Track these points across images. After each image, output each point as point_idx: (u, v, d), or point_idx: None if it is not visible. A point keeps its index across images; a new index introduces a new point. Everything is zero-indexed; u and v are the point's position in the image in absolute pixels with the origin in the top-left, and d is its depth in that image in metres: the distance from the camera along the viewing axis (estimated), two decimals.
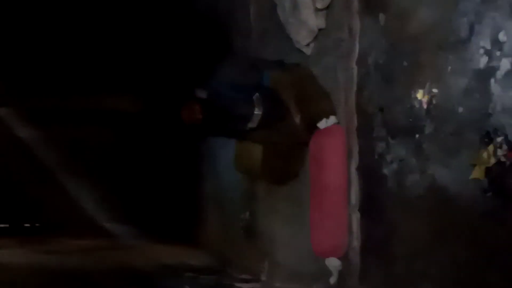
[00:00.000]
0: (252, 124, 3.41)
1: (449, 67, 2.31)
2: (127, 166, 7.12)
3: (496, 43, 2.07)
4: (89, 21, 6.10)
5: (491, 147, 2.07)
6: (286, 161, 3.60)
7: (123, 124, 7.02)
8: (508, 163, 2.00)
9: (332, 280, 3.12)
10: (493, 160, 2.06)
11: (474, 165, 2.15)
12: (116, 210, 6.92)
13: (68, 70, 6.37)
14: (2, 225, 6.89)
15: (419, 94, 2.48)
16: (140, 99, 6.59)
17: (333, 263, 3.10)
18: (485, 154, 2.09)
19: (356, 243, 2.95)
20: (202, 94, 3.36)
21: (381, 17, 2.77)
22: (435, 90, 2.39)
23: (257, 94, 3.41)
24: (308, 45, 3.43)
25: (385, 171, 2.72)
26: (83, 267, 4.55)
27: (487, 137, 2.09)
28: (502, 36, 2.04)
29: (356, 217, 2.96)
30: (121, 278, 4.21)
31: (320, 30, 3.30)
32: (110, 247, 5.81)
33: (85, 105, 6.72)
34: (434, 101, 2.40)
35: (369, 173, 2.87)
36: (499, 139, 2.04)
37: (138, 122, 6.89)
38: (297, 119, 3.35)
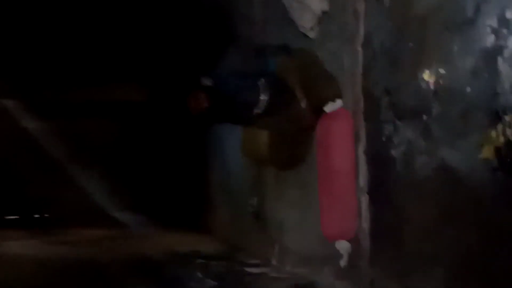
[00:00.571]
0: (258, 110, 3.41)
1: (456, 47, 2.29)
2: (136, 156, 7.15)
3: (503, 21, 2.04)
4: (94, 12, 6.08)
5: (500, 127, 2.06)
6: (293, 146, 3.60)
7: (130, 114, 7.04)
8: None
9: (343, 262, 3.13)
10: (502, 139, 2.05)
11: (483, 145, 2.14)
12: (125, 200, 6.97)
13: (73, 62, 6.37)
14: (12, 217, 6.95)
15: (426, 75, 2.46)
16: (146, 89, 6.60)
17: (343, 245, 3.11)
18: (494, 134, 2.08)
19: (365, 225, 2.95)
20: (207, 82, 3.36)
21: None
22: (442, 71, 2.38)
23: (262, 80, 3.41)
24: (312, 29, 3.41)
25: (393, 153, 2.71)
26: (93, 257, 4.59)
27: (496, 117, 2.07)
28: (509, 14, 2.02)
29: (365, 199, 2.96)
30: (132, 267, 4.25)
31: (324, 13, 3.28)
32: (120, 236, 5.86)
33: (92, 96, 6.74)
34: (441, 82, 2.38)
35: (377, 156, 2.86)
36: (508, 118, 2.03)
37: (145, 112, 6.90)
38: (303, 104, 3.35)
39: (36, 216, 7.11)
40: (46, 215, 7.14)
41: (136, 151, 7.17)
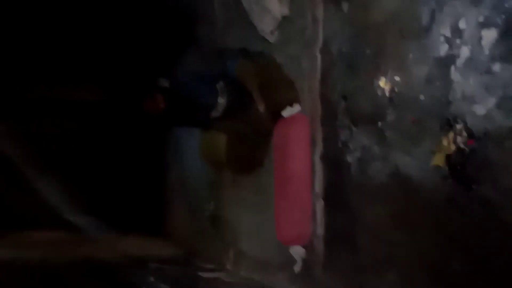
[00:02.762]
0: (216, 113, 3.38)
1: (411, 55, 2.32)
2: (91, 158, 6.99)
3: (456, 31, 2.08)
4: (52, 10, 5.93)
5: (451, 135, 2.09)
6: (250, 150, 3.58)
7: (85, 114, 6.88)
8: (467, 150, 2.03)
9: (297, 268, 3.12)
10: (453, 147, 2.08)
11: (435, 153, 2.17)
12: (80, 203, 6.79)
13: (29, 60, 6.18)
14: None
15: (382, 82, 2.49)
16: (102, 89, 6.46)
17: (297, 251, 3.10)
18: (445, 142, 2.11)
19: (320, 231, 2.95)
20: (165, 83, 3.31)
21: (344, 5, 2.77)
22: (397, 78, 2.40)
23: (221, 82, 3.38)
24: (272, 33, 3.41)
25: (349, 159, 2.73)
26: (46, 260, 4.45)
27: (448, 125, 2.11)
28: (462, 24, 2.06)
29: (320, 205, 2.96)
30: (86, 271, 4.14)
31: (284, 17, 3.28)
32: (75, 240, 5.71)
33: (46, 95, 6.56)
34: (396, 89, 2.41)
35: (333, 161, 2.87)
36: (459, 127, 2.06)
37: (101, 113, 6.76)
38: (262, 108, 3.33)
39: None
40: None
41: (93, 153, 7.01)
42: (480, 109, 1.98)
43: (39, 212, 6.47)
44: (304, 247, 3.07)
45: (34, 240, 5.59)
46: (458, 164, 2.07)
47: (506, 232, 1.88)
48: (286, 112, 3.19)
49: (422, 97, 2.26)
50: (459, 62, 2.08)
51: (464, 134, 2.04)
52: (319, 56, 2.99)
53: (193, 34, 4.56)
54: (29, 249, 5.02)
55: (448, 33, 2.12)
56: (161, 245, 5.22)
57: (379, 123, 2.51)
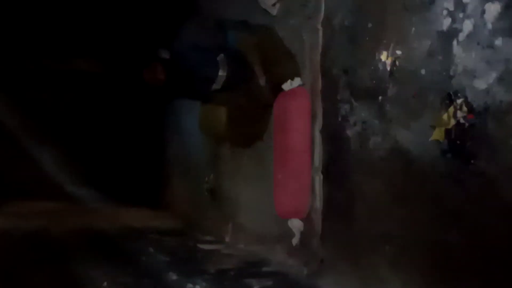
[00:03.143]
0: (216, 86, 3.36)
1: (413, 29, 2.30)
2: (91, 129, 6.99)
3: (459, 4, 2.06)
4: None
5: (451, 109, 2.08)
6: (250, 123, 3.58)
7: (86, 85, 6.85)
8: (467, 124, 2.03)
9: (295, 241, 3.15)
10: (453, 122, 2.08)
11: (435, 127, 2.16)
12: (80, 174, 6.82)
13: (26, 31, 6.13)
14: None
15: (383, 56, 2.47)
16: (102, 60, 6.42)
17: (295, 224, 3.12)
18: (445, 116, 2.10)
19: (318, 204, 2.97)
20: (165, 54, 3.30)
21: None
22: (399, 52, 2.39)
23: (222, 55, 3.35)
24: (274, 5, 3.37)
25: (348, 133, 2.72)
26: (44, 230, 4.48)
27: (448, 99, 2.10)
28: None
29: (319, 179, 2.97)
30: (85, 241, 4.18)
31: None
32: (75, 210, 5.76)
33: (46, 66, 6.52)
34: (397, 63, 2.39)
35: (333, 135, 2.87)
36: (459, 101, 2.05)
37: (101, 83, 6.74)
38: (262, 81, 3.32)
39: None
40: None
41: (93, 124, 7.00)
42: (481, 84, 1.97)
43: (39, 183, 6.50)
44: (302, 220, 3.09)
45: (34, 210, 5.62)
46: (457, 138, 2.06)
47: (503, 206, 1.89)
48: (287, 86, 3.18)
49: (423, 71, 2.24)
50: (462, 36, 2.06)
51: (465, 108, 2.03)
52: (320, 29, 2.96)
53: (194, 5, 4.52)
54: (28, 219, 5.05)
55: (451, 6, 2.10)
56: (160, 216, 5.26)
57: (380, 97, 2.50)
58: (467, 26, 2.03)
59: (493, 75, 1.92)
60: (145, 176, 6.26)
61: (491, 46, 1.93)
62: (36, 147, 6.84)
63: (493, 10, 1.92)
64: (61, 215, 5.37)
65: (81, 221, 5.02)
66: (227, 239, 4.03)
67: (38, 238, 4.22)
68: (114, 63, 6.19)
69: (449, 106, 2.10)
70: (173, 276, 3.05)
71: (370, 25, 2.58)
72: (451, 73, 2.10)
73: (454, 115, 2.07)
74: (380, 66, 2.49)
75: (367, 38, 2.60)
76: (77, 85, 6.84)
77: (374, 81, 2.54)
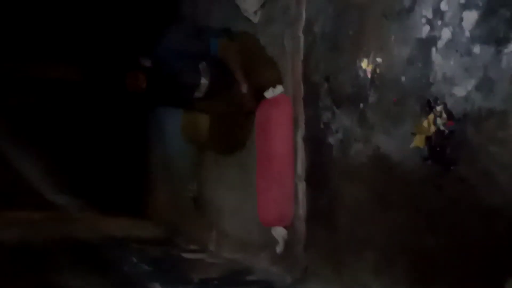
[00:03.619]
0: (198, 94, 3.35)
1: (393, 36, 2.32)
2: (72, 137, 6.92)
3: (438, 12, 2.08)
4: None
5: (431, 116, 2.10)
6: (233, 130, 3.57)
7: (68, 93, 6.79)
8: (447, 131, 2.04)
9: (278, 249, 3.14)
10: (433, 129, 2.10)
11: (415, 134, 2.18)
12: (61, 182, 6.74)
13: (5, 38, 6.06)
14: None
15: (364, 63, 2.48)
16: (84, 68, 6.37)
17: (279, 232, 3.12)
18: (425, 123, 2.12)
19: (302, 212, 2.97)
20: (147, 62, 3.27)
21: None
22: (379, 59, 2.40)
23: (203, 62, 3.34)
24: (255, 13, 3.38)
25: (330, 140, 2.73)
26: (26, 239, 4.42)
27: (428, 106, 2.12)
28: (443, 6, 2.06)
29: (302, 186, 2.97)
30: (66, 251, 4.12)
31: None
32: (55, 219, 5.67)
33: (28, 73, 6.45)
34: (378, 70, 2.41)
35: (315, 142, 2.88)
36: (439, 108, 2.07)
37: (83, 91, 6.68)
38: (244, 88, 3.32)
39: None
40: None
41: (75, 132, 6.94)
42: (460, 91, 1.99)
43: (19, 191, 6.41)
44: (285, 227, 3.09)
45: (14, 218, 5.54)
46: (437, 145, 2.08)
47: (482, 211, 1.91)
48: (269, 93, 3.18)
49: (403, 78, 2.26)
50: (440, 43, 2.08)
51: (444, 115, 2.05)
52: (302, 37, 2.97)
53: (176, 12, 4.51)
54: (8, 228, 4.97)
55: (429, 14, 2.12)
56: (143, 225, 5.22)
57: (361, 104, 2.51)
58: (446, 33, 2.05)
59: (472, 82, 1.94)
60: (127, 184, 6.21)
61: (469, 53, 1.95)
62: (16, 154, 6.75)
63: (470, 18, 1.95)
64: (42, 224, 5.30)
65: (62, 230, 4.95)
66: (211, 248, 4.01)
67: (18, 248, 4.16)
68: (95, 71, 6.15)
69: (429, 113, 2.11)
70: (157, 286, 3.02)
71: (350, 32, 2.60)
72: (431, 80, 2.12)
73: (434, 122, 2.09)
74: (361, 73, 2.51)
75: (348, 46, 2.62)
76: (58, 92, 6.78)
77: (355, 88, 2.55)
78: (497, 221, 1.86)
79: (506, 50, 1.82)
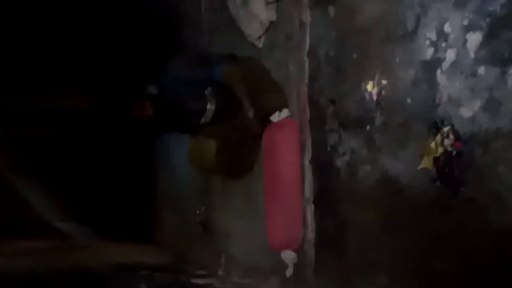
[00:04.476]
0: (205, 120, 3.37)
1: (397, 59, 2.34)
2: (79, 165, 6.95)
3: (442, 34, 2.10)
4: (38, 16, 5.89)
5: (438, 137, 2.11)
6: (240, 155, 3.58)
7: (74, 121, 6.84)
8: (455, 152, 2.05)
9: (288, 273, 3.12)
10: (440, 150, 2.10)
11: (423, 156, 2.18)
12: (68, 210, 6.76)
13: (16, 67, 6.14)
14: None
15: (369, 86, 2.50)
16: (90, 96, 6.43)
17: (288, 256, 3.10)
18: (433, 144, 2.13)
19: (311, 235, 2.96)
20: (152, 90, 3.30)
21: (331, 9, 2.78)
22: (384, 82, 2.42)
23: (209, 88, 3.37)
24: (259, 38, 3.42)
25: (338, 163, 2.73)
26: (32, 269, 4.41)
27: (435, 128, 2.12)
28: (447, 28, 2.08)
29: (310, 209, 2.97)
30: (74, 279, 4.11)
31: (271, 23, 3.28)
32: (62, 247, 5.67)
33: (34, 102, 6.51)
34: (383, 93, 2.42)
35: (322, 166, 2.88)
36: (446, 129, 2.08)
37: (89, 119, 6.73)
38: (250, 113, 3.33)
39: None
40: None
41: (81, 160, 6.97)
42: (466, 112, 2.00)
43: (27, 220, 6.43)
44: (295, 251, 3.08)
45: (22, 248, 5.53)
46: (445, 166, 2.08)
47: (492, 233, 1.90)
48: (275, 117, 3.20)
49: (409, 100, 2.27)
50: (445, 65, 2.09)
51: (451, 136, 2.05)
52: (306, 61, 3.00)
53: (180, 39, 4.56)
54: (14, 258, 4.97)
55: (433, 36, 2.14)
56: (151, 252, 5.20)
57: (368, 127, 2.52)
58: (450, 55, 2.07)
59: (478, 103, 1.95)
60: (134, 210, 6.21)
61: (474, 74, 1.97)
62: (23, 183, 6.78)
63: (474, 39, 1.97)
64: (50, 253, 5.28)
65: (70, 259, 4.94)
66: (220, 273, 3.99)
67: (27, 278, 4.15)
68: (101, 100, 6.20)
69: (436, 135, 2.12)
70: None
71: (355, 55, 2.62)
72: (437, 102, 2.13)
73: (442, 143, 2.09)
74: (367, 96, 2.52)
75: (353, 69, 2.64)
76: (63, 121, 6.83)
77: (361, 111, 2.56)
78: (509, 244, 1.85)
79: (511, 71, 1.83)
